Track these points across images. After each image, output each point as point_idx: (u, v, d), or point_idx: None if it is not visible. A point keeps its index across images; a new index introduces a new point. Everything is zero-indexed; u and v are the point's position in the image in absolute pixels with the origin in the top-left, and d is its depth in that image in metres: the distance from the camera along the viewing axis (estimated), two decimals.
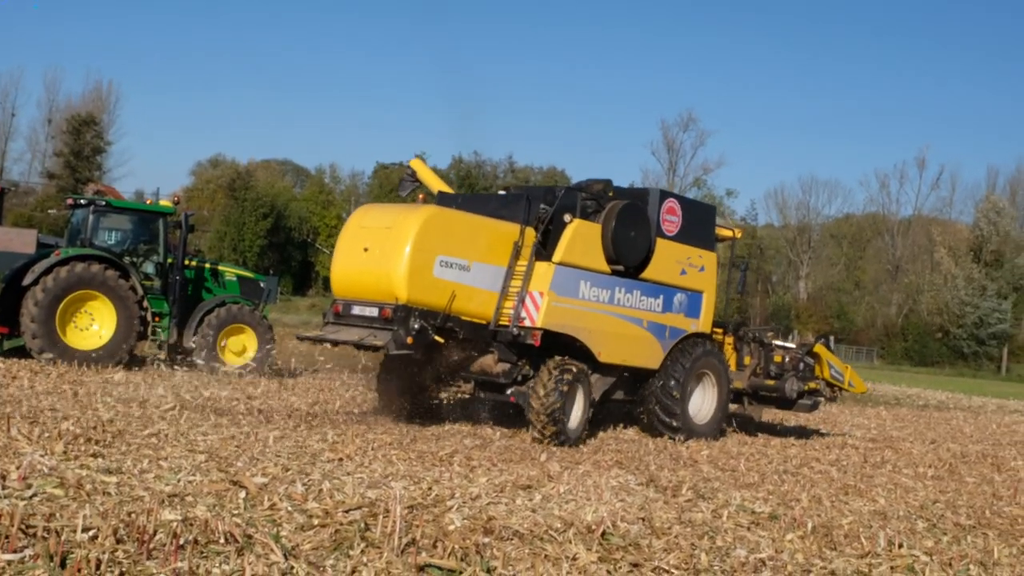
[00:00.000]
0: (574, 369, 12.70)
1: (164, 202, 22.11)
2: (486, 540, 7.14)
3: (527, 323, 12.50)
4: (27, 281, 18.07)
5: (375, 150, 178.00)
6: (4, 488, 7.14)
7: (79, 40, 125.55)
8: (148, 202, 22.83)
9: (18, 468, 7.74)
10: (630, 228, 13.27)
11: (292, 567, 5.93)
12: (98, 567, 5.42)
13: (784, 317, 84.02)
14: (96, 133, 75.93)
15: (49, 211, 51.06)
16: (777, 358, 15.97)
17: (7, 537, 5.83)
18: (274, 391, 16.30)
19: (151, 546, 5.99)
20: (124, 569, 5.50)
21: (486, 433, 13.54)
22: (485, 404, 14.27)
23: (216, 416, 12.30)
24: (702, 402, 14.66)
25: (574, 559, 6.92)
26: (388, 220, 12.45)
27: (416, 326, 11.77)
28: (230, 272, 20.96)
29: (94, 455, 8.85)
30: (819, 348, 17.06)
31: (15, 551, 5.61)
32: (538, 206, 12.92)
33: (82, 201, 20.43)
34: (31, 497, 6.98)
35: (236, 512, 7.16)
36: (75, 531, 6.05)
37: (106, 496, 7.24)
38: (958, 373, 71.33)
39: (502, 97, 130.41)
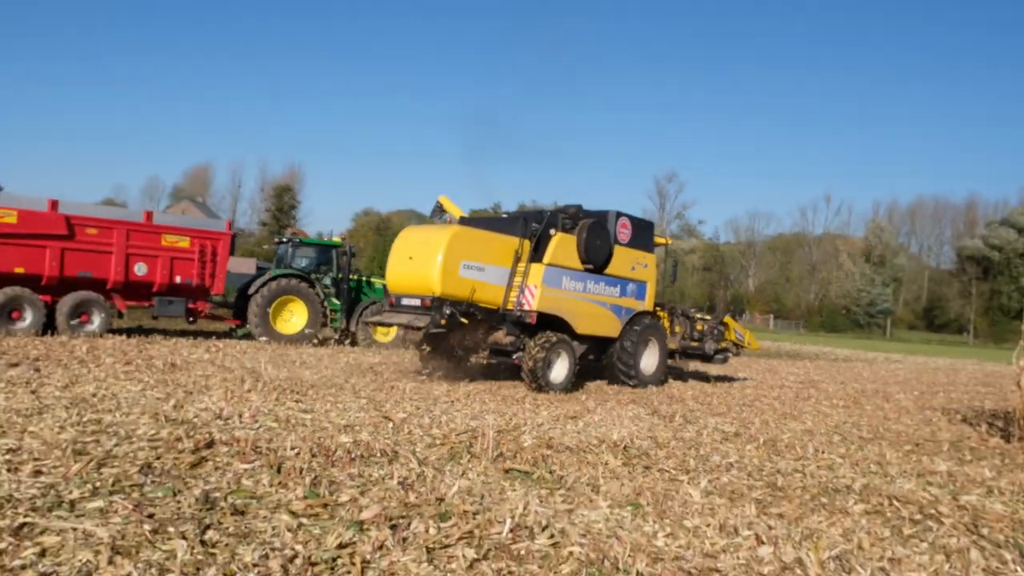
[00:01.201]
0: (554, 339, 12.29)
1: (335, 238, 22.44)
2: (548, 452, 7.11)
3: (526, 307, 12.32)
4: (251, 291, 18.44)
5: (470, 199, 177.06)
6: (241, 422, 7.26)
7: (280, 137, 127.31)
8: (325, 239, 23.14)
9: (248, 409, 7.88)
10: (596, 238, 13.03)
11: (424, 471, 5.95)
12: (301, 472, 5.49)
13: (739, 302, 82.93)
14: (291, 196, 77.01)
15: (264, 247, 51.97)
16: (699, 327, 15.80)
17: (244, 453, 5.94)
18: (408, 358, 16.41)
19: (333, 458, 6.06)
20: (317, 473, 5.55)
21: None
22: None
23: (372, 374, 12.40)
24: (649, 360, 14.30)
25: (606, 464, 6.86)
26: (426, 236, 12.18)
27: (447, 311, 11.60)
28: (378, 283, 21.07)
29: (296, 401, 8.96)
30: (727, 319, 16.79)
31: (249, 462, 5.71)
32: (531, 224, 12.79)
33: (284, 239, 20.74)
34: (257, 428, 7.08)
35: (387, 436, 7.20)
36: (285, 449, 6.14)
37: (303, 427, 7.32)
38: (857, 337, 69.61)
39: (533, 150, 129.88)
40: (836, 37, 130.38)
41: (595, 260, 13.12)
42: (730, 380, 17.31)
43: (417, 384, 11.73)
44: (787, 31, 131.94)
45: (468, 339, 12.85)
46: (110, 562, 3.70)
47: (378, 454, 6.36)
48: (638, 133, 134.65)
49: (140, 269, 16.28)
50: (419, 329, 11.95)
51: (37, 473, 5.03)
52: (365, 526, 4.52)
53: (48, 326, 15.24)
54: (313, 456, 6.03)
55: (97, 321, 15.65)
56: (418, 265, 11.87)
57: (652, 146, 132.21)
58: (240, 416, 7.49)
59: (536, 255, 12.57)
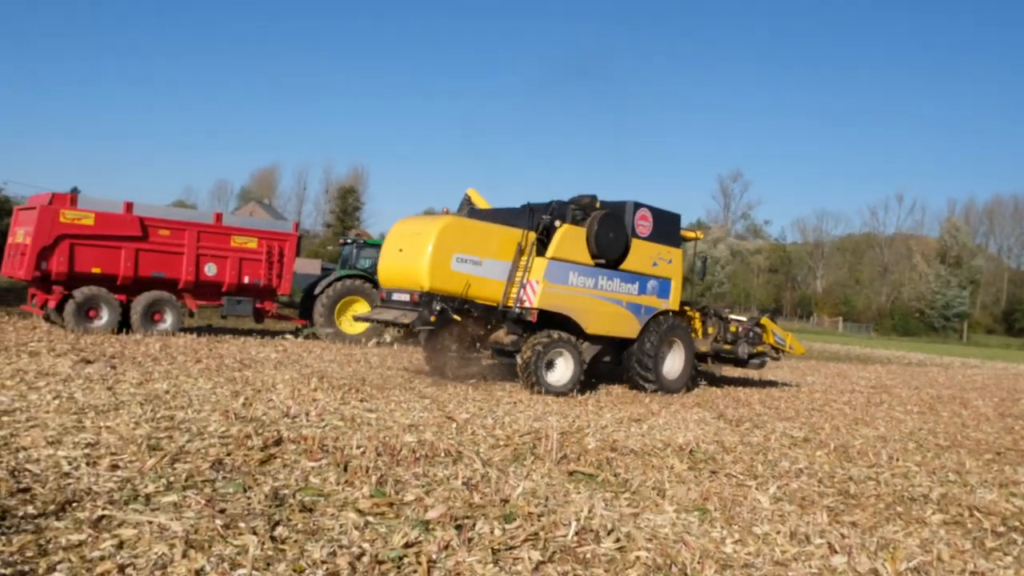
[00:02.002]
0: (555, 337, 11.57)
1: None
2: (612, 455, 7.06)
3: (527, 304, 11.54)
4: (317, 291, 18.79)
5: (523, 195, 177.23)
6: (307, 420, 7.39)
7: (345, 139, 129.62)
8: None
9: (315, 408, 8.01)
10: (609, 231, 12.13)
11: (488, 472, 5.96)
12: (367, 471, 5.55)
13: (807, 304, 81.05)
14: (355, 197, 78.17)
15: (328, 248, 52.91)
16: (732, 328, 14.59)
17: (311, 451, 6.04)
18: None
19: (398, 458, 6.11)
20: (383, 472, 5.61)
21: (609, 386, 13.42)
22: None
23: (434, 375, 12.47)
24: (672, 363, 13.34)
25: (671, 468, 6.77)
26: (417, 228, 11.63)
27: (438, 308, 11.04)
28: None
29: (360, 400, 9.07)
30: (765, 320, 15.34)
31: (316, 460, 5.80)
32: (539, 216, 12.05)
33: (348, 241, 21.08)
34: (323, 426, 7.20)
35: (450, 436, 7.23)
36: (351, 448, 6.21)
37: (368, 426, 7.41)
38: (931, 341, 67.29)
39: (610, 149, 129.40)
40: (908, 33, 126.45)
41: (608, 254, 12.29)
42: (797, 384, 16.92)
43: (478, 385, 11.76)
44: (856, 28, 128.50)
45: (470, 337, 12.27)
46: (184, 555, 3.79)
47: (442, 454, 6.39)
48: (702, 132, 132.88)
49: (210, 269, 16.72)
50: (404, 326, 11.45)
51: (114, 467, 5.20)
52: (431, 526, 4.54)
53: (123, 324, 15.77)
54: (379, 455, 6.10)
55: (169, 320, 16.13)
56: (407, 258, 11.36)
57: (716, 145, 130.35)
58: (307, 415, 7.62)
59: (542, 248, 11.84)
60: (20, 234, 15.99)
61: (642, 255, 12.83)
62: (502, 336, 11.94)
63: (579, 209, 12.38)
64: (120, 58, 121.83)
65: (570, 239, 11.97)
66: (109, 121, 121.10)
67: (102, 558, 3.72)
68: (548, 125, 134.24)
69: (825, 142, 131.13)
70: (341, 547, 4.10)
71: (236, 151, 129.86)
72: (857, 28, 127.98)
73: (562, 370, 11.72)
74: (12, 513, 4.14)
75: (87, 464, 5.20)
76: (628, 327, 12.78)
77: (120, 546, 3.87)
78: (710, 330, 14.51)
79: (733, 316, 15.01)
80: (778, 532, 4.99)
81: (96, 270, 15.52)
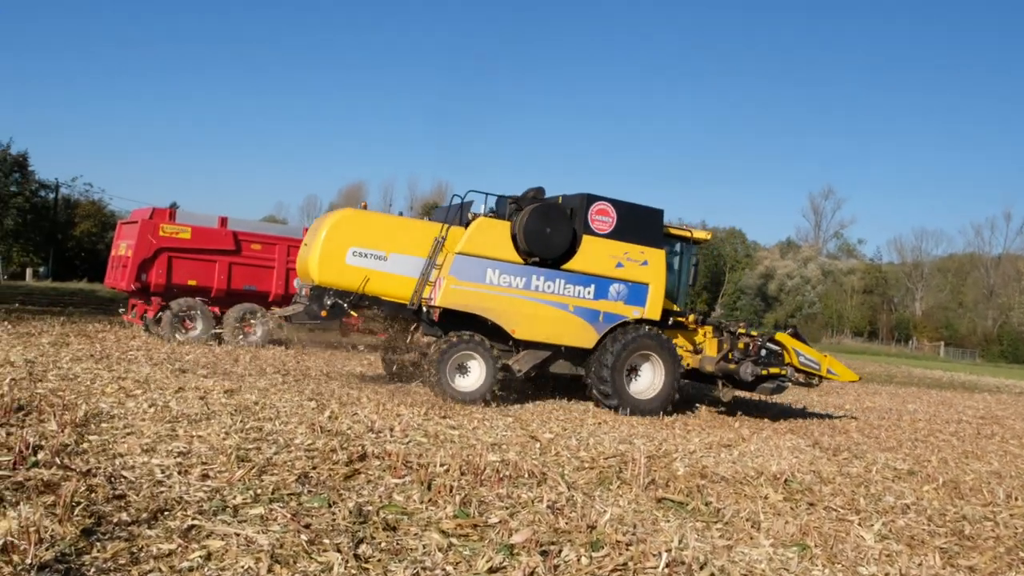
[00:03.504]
0: (458, 340, 10.76)
1: None
2: (702, 482, 6.81)
3: (432, 302, 10.85)
4: None
5: None
6: (391, 436, 7.40)
7: (430, 160, 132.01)
8: None
9: (399, 423, 8.03)
10: (544, 224, 10.95)
11: (573, 495, 5.82)
12: (451, 490, 5.49)
13: (905, 328, 77.66)
14: None
15: None
16: (740, 345, 12.72)
17: (395, 467, 6.02)
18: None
19: (482, 477, 6.03)
20: (466, 492, 5.54)
21: (694, 407, 13.09)
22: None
23: (517, 394, 12.39)
24: (646, 381, 11.87)
25: (765, 498, 6.48)
26: (320, 222, 11.25)
27: (329, 302, 10.60)
28: None
29: (443, 416, 9.06)
30: (781, 337, 13.26)
31: (400, 477, 5.78)
32: (468, 210, 11.27)
33: None
34: (407, 442, 7.19)
35: (534, 457, 7.13)
36: (435, 466, 6.16)
37: (452, 443, 7.37)
38: None
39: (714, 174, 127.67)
40: (1014, 41, 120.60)
41: (542, 251, 11.12)
42: (898, 412, 16.14)
43: (560, 404, 11.63)
44: (958, 37, 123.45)
45: (399, 339, 11.89)
46: (269, 571, 3.79)
47: (526, 475, 6.29)
48: (791, 148, 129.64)
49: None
50: (288, 320, 11.18)
51: (204, 477, 5.29)
52: (515, 550, 4.43)
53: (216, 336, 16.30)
54: (462, 474, 6.03)
55: (259, 332, 16.57)
56: (307, 252, 11.07)
57: (806, 162, 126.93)
58: (391, 430, 7.63)
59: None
60: (122, 247, 16.75)
61: (598, 254, 11.52)
62: (420, 338, 11.41)
63: (515, 203, 11.49)
64: (218, 80, 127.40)
65: (487, 233, 11.08)
66: (207, 138, 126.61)
67: (191, 569, 3.75)
68: (641, 145, 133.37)
69: (924, 157, 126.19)
70: (425, 569, 4.04)
71: (325, 167, 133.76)
72: (959, 37, 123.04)
73: (474, 376, 11.00)
74: (108, 519, 4.24)
75: (179, 473, 5.30)
76: (578, 335, 11.51)
77: (208, 557, 3.90)
78: (724, 346, 12.97)
79: (743, 331, 13.15)
80: (886, 574, 4.69)
81: (192, 282, 16.11)
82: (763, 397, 14.57)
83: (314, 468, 5.81)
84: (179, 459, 5.67)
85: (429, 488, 5.54)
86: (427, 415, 8.96)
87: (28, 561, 3.54)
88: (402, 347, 12.19)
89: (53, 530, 3.94)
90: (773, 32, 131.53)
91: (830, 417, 13.61)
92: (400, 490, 5.46)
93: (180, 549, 3.94)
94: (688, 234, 12.96)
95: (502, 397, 11.39)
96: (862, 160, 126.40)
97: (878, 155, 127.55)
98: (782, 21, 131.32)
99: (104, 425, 6.58)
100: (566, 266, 11.35)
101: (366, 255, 10.65)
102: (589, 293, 11.49)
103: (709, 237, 13.29)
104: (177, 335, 15.68)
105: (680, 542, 4.86)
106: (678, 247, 12.87)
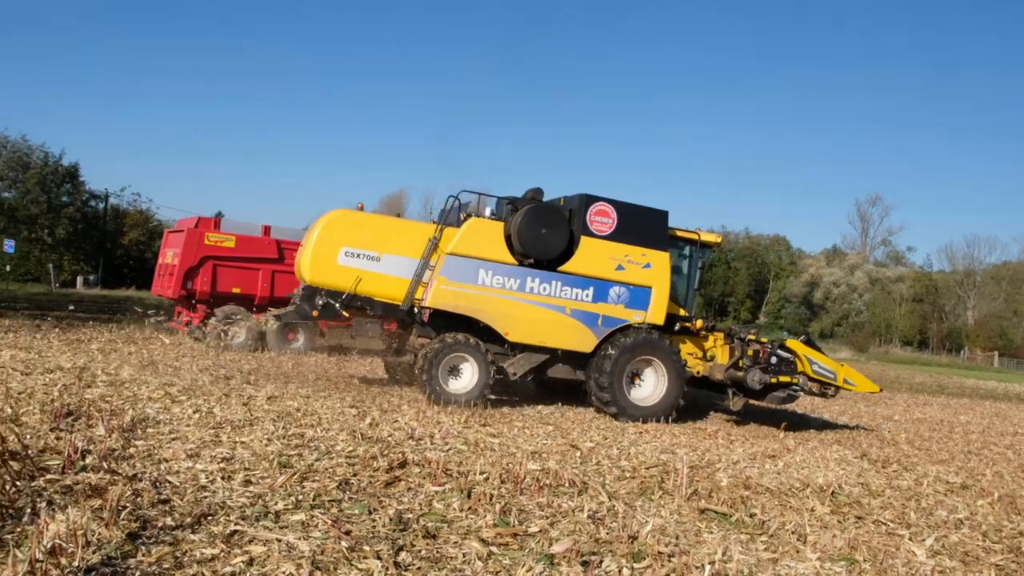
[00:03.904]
0: (449, 342, 10.64)
1: None
2: (746, 493, 6.69)
3: (423, 303, 10.75)
4: None
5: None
6: (432, 443, 7.41)
7: (469, 164, 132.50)
8: None
9: (439, 431, 8.04)
10: (539, 226, 10.78)
11: (614, 505, 5.76)
12: (491, 499, 5.47)
13: (956, 337, 75.79)
14: None
15: None
16: (749, 352, 12.30)
17: (435, 475, 6.03)
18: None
19: (522, 486, 6.01)
20: (506, 500, 5.52)
21: (738, 417, 12.90)
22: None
23: (558, 402, 12.34)
24: (648, 387, 11.56)
25: (812, 511, 6.35)
26: (315, 224, 11.13)
27: (320, 302, 10.59)
28: None
29: (483, 424, 9.06)
30: (792, 344, 12.73)
31: (440, 485, 5.78)
32: (465, 211, 11.16)
33: None
34: (447, 450, 7.20)
35: (574, 466, 7.08)
36: (475, 474, 6.16)
37: (492, 451, 7.35)
38: None
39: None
40: None
41: (538, 252, 10.93)
42: (950, 424, 15.73)
43: (601, 413, 11.54)
44: (1004, 43, 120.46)
45: (399, 340, 11.78)
46: None
47: (566, 484, 6.24)
48: (838, 154, 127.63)
49: None
50: (279, 319, 11.11)
51: (247, 483, 5.35)
52: (556, 560, 4.40)
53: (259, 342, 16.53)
54: (502, 482, 6.02)
55: (302, 339, 16.76)
56: (301, 253, 11.13)
57: (853, 169, 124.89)
58: (431, 437, 7.65)
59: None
60: (169, 255, 17.11)
61: (597, 256, 11.27)
62: (414, 339, 11.34)
63: (511, 203, 11.30)
64: (262, 89, 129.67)
65: (480, 233, 10.93)
66: (251, 147, 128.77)
67: (233, 575, 3.79)
68: (684, 153, 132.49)
69: (976, 163, 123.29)
70: None
71: (367, 176, 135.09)
72: (1010, 42, 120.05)
73: (466, 378, 10.83)
74: (152, 524, 4.30)
75: (222, 478, 5.37)
76: (575, 339, 11.27)
77: (250, 563, 3.93)
78: (735, 354, 12.52)
79: (753, 337, 12.68)
80: None
81: (236, 290, 16.38)
82: (784, 406, 13.97)
83: (355, 475, 5.84)
84: (222, 465, 5.74)
85: (469, 496, 5.53)
86: (467, 423, 8.97)
87: (75, 564, 3.61)
88: (401, 349, 12.16)
89: (100, 533, 4.01)
90: (819, 37, 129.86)
91: (878, 428, 13.32)
92: (440, 498, 5.46)
93: (223, 554, 3.99)
94: (696, 236, 12.45)
95: (544, 406, 11.34)
96: (912, 166, 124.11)
97: (928, 161, 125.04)
98: (827, 26, 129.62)
99: (150, 430, 6.70)
100: (563, 268, 11.15)
101: (359, 255, 10.63)
102: (587, 296, 11.27)
103: (719, 240, 12.89)
104: (221, 342, 15.93)
105: (724, 554, 4.78)
106: (687, 250, 12.49)
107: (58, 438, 5.94)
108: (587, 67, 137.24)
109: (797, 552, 5.11)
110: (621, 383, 11.27)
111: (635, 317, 11.46)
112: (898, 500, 7.11)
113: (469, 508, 5.26)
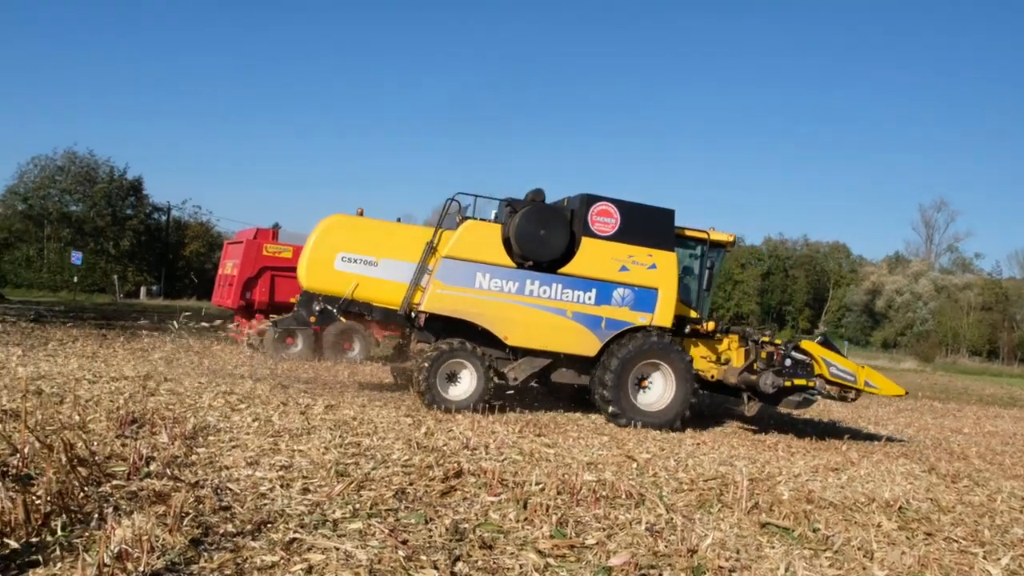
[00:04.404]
0: (447, 348, 10.53)
1: None
2: (809, 507, 6.53)
3: (420, 307, 10.65)
4: None
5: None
6: (487, 453, 7.42)
7: (520, 171, 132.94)
8: None
9: (494, 441, 8.04)
10: (538, 227, 10.58)
11: (672, 518, 5.67)
12: (547, 510, 5.44)
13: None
14: None
15: None
16: (763, 354, 11.90)
17: (490, 485, 6.02)
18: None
19: (578, 497, 5.96)
20: (562, 512, 5.47)
21: (798, 428, 12.64)
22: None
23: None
24: (656, 392, 11.29)
25: (878, 526, 6.16)
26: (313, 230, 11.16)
27: (317, 308, 10.62)
28: None
29: (538, 435, 9.03)
30: (807, 345, 12.25)
31: (496, 495, 5.77)
32: (463, 214, 11.04)
33: None
34: (503, 460, 7.19)
35: (631, 477, 7.00)
36: (531, 484, 6.14)
37: (547, 462, 7.33)
38: None
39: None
40: None
41: (537, 254, 10.74)
42: (1023, 437, 15.15)
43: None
44: None
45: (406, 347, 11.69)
46: None
47: (623, 496, 6.18)
48: (900, 159, 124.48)
49: None
50: (275, 324, 11.16)
51: (305, 491, 5.41)
52: (613, 573, 4.35)
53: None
54: (558, 493, 5.98)
55: (358, 349, 16.97)
56: (301, 258, 11.12)
57: (916, 174, 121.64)
58: (486, 447, 7.66)
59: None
60: (228, 266, 17.52)
61: (600, 257, 10.99)
62: (414, 344, 11.25)
63: (510, 205, 11.10)
64: (314, 102, 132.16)
65: (476, 236, 10.78)
66: (307, 159, 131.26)
67: None
68: (740, 159, 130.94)
69: None
70: None
71: (417, 187, 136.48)
72: None
73: (464, 384, 10.68)
74: (214, 530, 4.38)
75: (281, 486, 5.44)
76: (577, 342, 11.03)
77: (309, 571, 3.97)
78: (750, 357, 12.07)
79: (767, 339, 12.24)
80: None
81: (293, 299, 16.64)
82: (797, 414, 13.57)
83: (411, 484, 5.87)
84: (281, 473, 5.82)
85: (525, 507, 5.50)
86: (522, 433, 8.95)
87: (141, 568, 3.69)
88: (405, 355, 12.19)
89: (164, 539, 4.10)
90: (883, 39, 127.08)
91: (946, 441, 12.89)
92: (496, 508, 5.45)
93: (283, 561, 4.04)
94: (704, 236, 12.07)
95: (598, 416, 11.25)
96: (979, 170, 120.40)
97: (996, 165, 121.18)
98: (892, 26, 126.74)
99: (211, 438, 6.84)
100: (564, 270, 10.93)
101: (355, 260, 10.59)
102: (590, 298, 11.00)
103: (732, 239, 12.46)
104: (280, 352, 16.22)
105: (787, 570, 4.67)
106: (698, 250, 12.15)
107: (123, 445, 6.11)
108: (638, 73, 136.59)
109: (864, 569, 4.96)
110: (626, 388, 11.04)
111: (640, 319, 11.19)
112: (970, 516, 6.86)
113: (525, 519, 5.24)
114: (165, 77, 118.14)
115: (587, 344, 11.06)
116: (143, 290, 50.30)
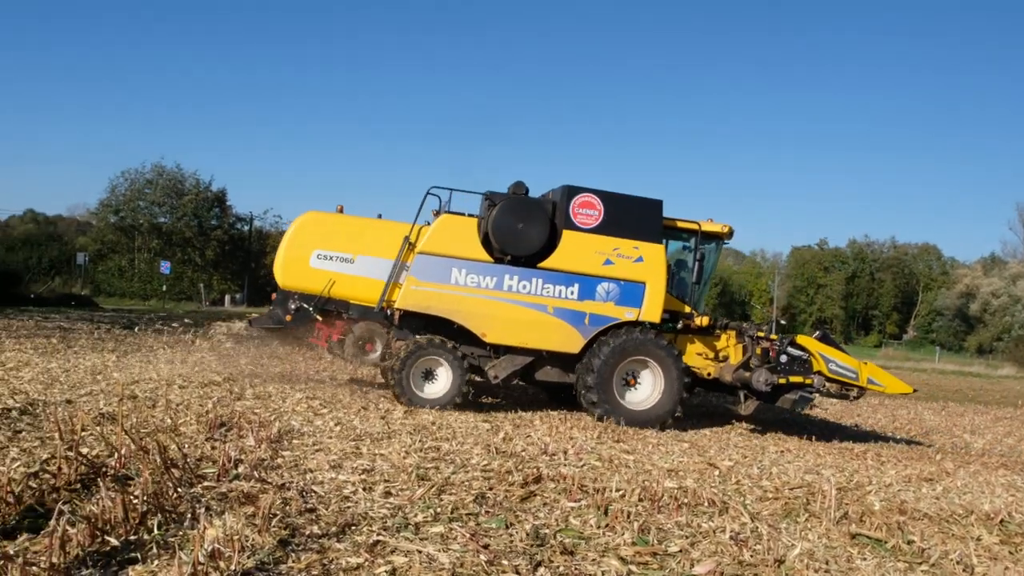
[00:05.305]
0: (421, 344, 10.30)
1: None
2: (902, 518, 6.29)
3: (395, 304, 10.45)
4: None
5: (789, 236, 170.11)
6: (565, 459, 7.40)
7: (567, 172, 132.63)
8: None
9: (572, 446, 8.02)
10: (516, 220, 10.33)
11: (757, 527, 5.55)
12: (628, 516, 5.40)
13: None
14: None
15: None
16: (758, 350, 11.44)
17: (570, 491, 6.01)
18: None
19: (659, 504, 5.89)
20: (644, 519, 5.41)
21: (888, 436, 12.21)
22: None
23: (693, 419, 12.07)
24: (645, 389, 10.91)
25: (978, 540, 5.89)
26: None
27: (292, 306, 10.49)
28: None
29: (617, 440, 8.98)
30: (804, 340, 11.81)
31: (576, 501, 5.75)
32: (442, 209, 10.79)
33: None
34: (582, 466, 7.16)
35: (713, 485, 6.87)
36: (611, 491, 6.09)
37: (627, 468, 7.26)
38: None
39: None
40: None
41: (515, 248, 10.47)
42: None
43: (742, 431, 11.20)
44: None
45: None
46: None
47: (705, 503, 6.08)
48: (995, 155, 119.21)
49: None
50: (250, 324, 11.11)
51: (387, 494, 5.50)
52: None
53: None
54: (639, 500, 5.92)
55: (379, 350, 17.11)
56: (276, 256, 11.03)
57: (1012, 169, 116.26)
58: (565, 453, 7.64)
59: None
60: None
61: (582, 251, 10.66)
62: (393, 342, 11.09)
63: (488, 199, 10.80)
64: (379, 118, 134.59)
65: (451, 231, 10.59)
66: (368, 150, 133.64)
67: None
68: (831, 158, 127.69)
69: None
70: None
71: (478, 181, 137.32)
72: None
73: (441, 382, 10.44)
74: (300, 531, 4.50)
75: (364, 489, 5.55)
76: (559, 339, 10.70)
77: (393, 573, 4.03)
78: (747, 353, 11.63)
79: (762, 334, 11.74)
80: None
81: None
82: (802, 410, 12.52)
83: (490, 489, 5.90)
84: (363, 476, 5.94)
85: (606, 513, 5.47)
86: (600, 438, 8.91)
87: (232, 567, 3.81)
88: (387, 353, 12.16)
89: (253, 539, 4.23)
90: (972, 36, 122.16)
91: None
92: (576, 514, 5.43)
93: (367, 563, 4.11)
94: (696, 227, 11.63)
95: (680, 424, 11.11)
96: None
97: None
98: (980, 21, 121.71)
99: (295, 442, 7.02)
100: (544, 264, 10.63)
101: (331, 258, 10.55)
102: (572, 293, 10.67)
103: (726, 230, 11.87)
104: (359, 357, 16.52)
105: None
106: (691, 242, 11.73)
107: (213, 447, 6.32)
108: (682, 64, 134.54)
109: None
110: (611, 386, 10.72)
111: (627, 315, 10.81)
112: None
113: (606, 525, 5.20)
114: (247, 90, 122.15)
115: (570, 341, 10.77)
116: (227, 298, 52.06)
